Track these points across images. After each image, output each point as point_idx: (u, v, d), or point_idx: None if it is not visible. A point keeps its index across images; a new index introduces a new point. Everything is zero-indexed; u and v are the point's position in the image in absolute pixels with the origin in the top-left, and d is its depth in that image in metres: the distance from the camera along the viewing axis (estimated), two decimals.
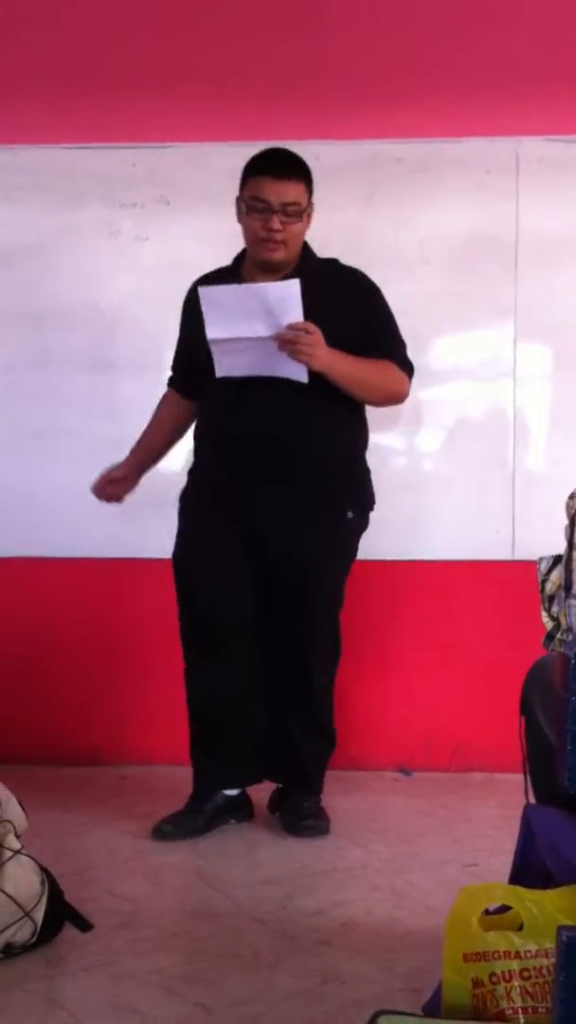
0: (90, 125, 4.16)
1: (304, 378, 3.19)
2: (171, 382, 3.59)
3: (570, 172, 4.07)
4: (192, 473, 3.51)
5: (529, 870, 2.14)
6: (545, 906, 1.98)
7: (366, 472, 3.47)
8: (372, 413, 3.51)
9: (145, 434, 3.59)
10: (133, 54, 4.17)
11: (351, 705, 4.03)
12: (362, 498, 3.45)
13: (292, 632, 3.41)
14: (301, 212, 3.25)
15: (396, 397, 3.42)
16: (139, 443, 3.59)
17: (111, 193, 4.17)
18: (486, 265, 4.11)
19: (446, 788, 3.89)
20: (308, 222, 3.32)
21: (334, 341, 3.19)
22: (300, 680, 3.44)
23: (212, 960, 2.50)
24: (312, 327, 3.13)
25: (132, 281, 4.16)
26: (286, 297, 3.11)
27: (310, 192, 3.29)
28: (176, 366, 3.58)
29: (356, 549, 3.48)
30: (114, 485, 3.54)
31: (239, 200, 3.31)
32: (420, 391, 4.02)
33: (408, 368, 3.40)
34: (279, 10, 4.15)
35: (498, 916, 2.07)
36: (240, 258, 3.42)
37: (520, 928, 1.99)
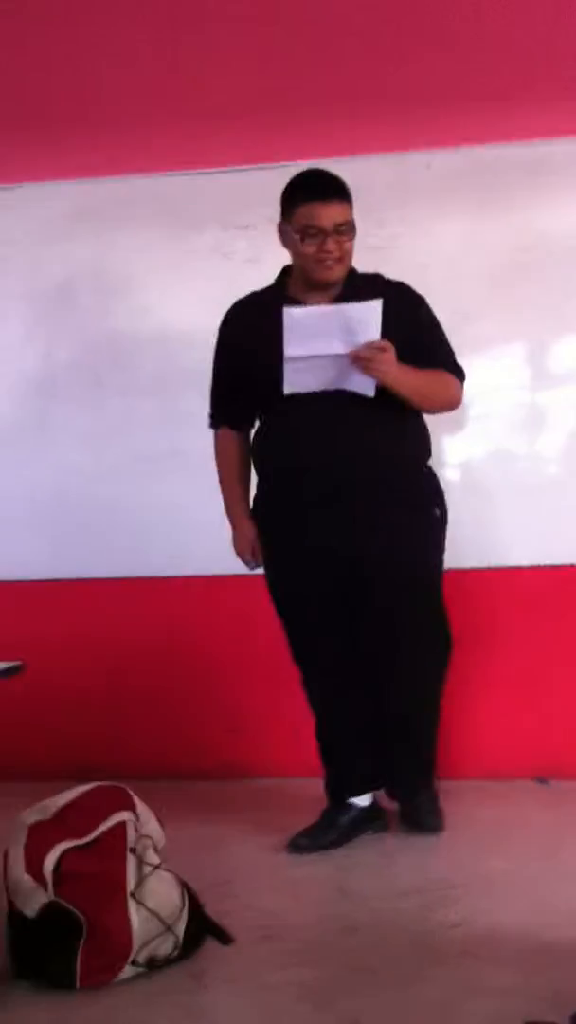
0: (195, 150, 4.22)
1: (372, 392, 3.26)
2: (222, 420, 3.57)
3: None
4: (265, 497, 3.50)
5: None
6: None
7: (434, 474, 3.53)
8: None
9: (231, 483, 3.56)
10: (240, 79, 4.18)
11: (481, 716, 4.03)
12: (442, 496, 3.51)
13: (394, 633, 3.42)
14: (349, 231, 3.32)
15: (452, 404, 3.50)
16: (230, 494, 3.56)
17: (224, 216, 4.22)
18: None
19: None
20: (355, 238, 3.37)
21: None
22: (406, 676, 3.47)
23: (355, 973, 2.50)
24: (387, 344, 3.20)
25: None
26: (367, 317, 3.19)
27: (352, 209, 3.34)
28: (222, 401, 3.55)
29: (443, 547, 3.51)
30: (255, 547, 3.53)
31: (286, 226, 3.35)
32: (538, 394, 4.09)
33: (460, 375, 3.48)
34: (380, 22, 4.13)
35: None
36: (282, 278, 3.47)
37: None
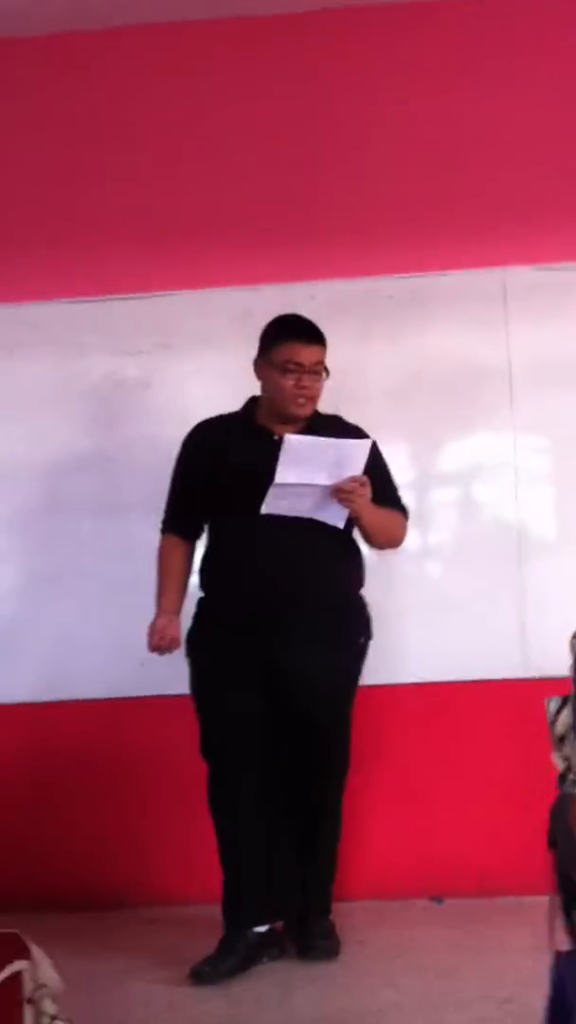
0: (90, 278, 4.31)
1: (341, 524, 3.49)
2: (171, 528, 3.70)
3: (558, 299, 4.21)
4: (205, 608, 3.62)
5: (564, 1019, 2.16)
6: None
7: (364, 602, 3.69)
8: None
9: (167, 579, 3.67)
10: (129, 207, 4.32)
11: (374, 834, 4.07)
12: (369, 625, 3.68)
13: (308, 757, 3.55)
14: (321, 372, 3.58)
15: (398, 541, 3.74)
16: (164, 588, 3.67)
17: (114, 343, 4.30)
18: (481, 391, 4.23)
19: (476, 915, 3.87)
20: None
21: None
22: (314, 802, 3.60)
23: None
24: (366, 479, 3.43)
25: (137, 426, 4.28)
26: (357, 453, 3.43)
27: (325, 353, 3.60)
28: (176, 511, 3.70)
29: (360, 674, 3.67)
30: (167, 631, 3.60)
31: (263, 362, 3.57)
32: (423, 512, 4.19)
33: (406, 513, 3.73)
34: (271, 157, 4.30)
35: None
36: (249, 407, 3.66)
37: None
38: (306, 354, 3.54)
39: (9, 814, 4.25)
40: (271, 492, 3.38)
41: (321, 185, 4.30)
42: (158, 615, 3.62)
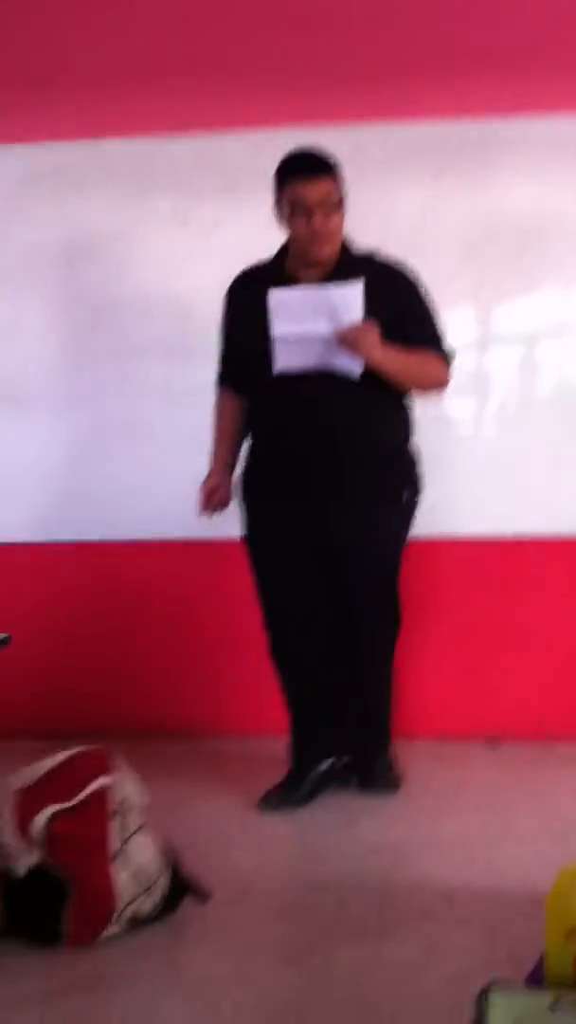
0: (157, 115, 4.24)
1: (358, 372, 3.38)
2: (224, 382, 3.68)
3: None
4: (252, 463, 3.63)
5: None
6: None
7: (416, 455, 3.63)
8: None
9: (221, 437, 3.68)
10: (196, 46, 4.19)
11: (435, 678, 4.20)
12: (415, 480, 3.62)
13: (356, 607, 3.58)
14: (336, 205, 3.40)
15: (438, 385, 3.60)
16: (218, 447, 3.68)
17: (181, 183, 4.26)
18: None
19: (534, 760, 4.00)
20: (344, 215, 3.45)
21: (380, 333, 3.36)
22: (366, 650, 3.64)
23: (325, 931, 2.68)
24: (371, 325, 3.32)
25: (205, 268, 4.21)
26: (349, 298, 3.32)
27: (342, 185, 3.43)
28: (226, 365, 3.67)
29: (410, 528, 3.65)
30: (216, 494, 3.64)
31: (278, 203, 3.45)
32: (487, 362, 4.20)
33: (447, 357, 3.56)
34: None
35: None
36: (281, 254, 3.55)
37: None
38: (310, 190, 3.35)
39: (87, 647, 4.41)
40: (276, 347, 3.35)
41: (394, 25, 4.15)
42: (209, 474, 3.64)
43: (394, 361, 3.41)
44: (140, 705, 4.37)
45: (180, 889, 2.81)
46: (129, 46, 4.25)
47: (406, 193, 4.12)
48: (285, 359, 3.38)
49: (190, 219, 4.27)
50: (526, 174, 4.14)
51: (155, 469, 4.31)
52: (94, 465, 4.39)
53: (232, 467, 3.68)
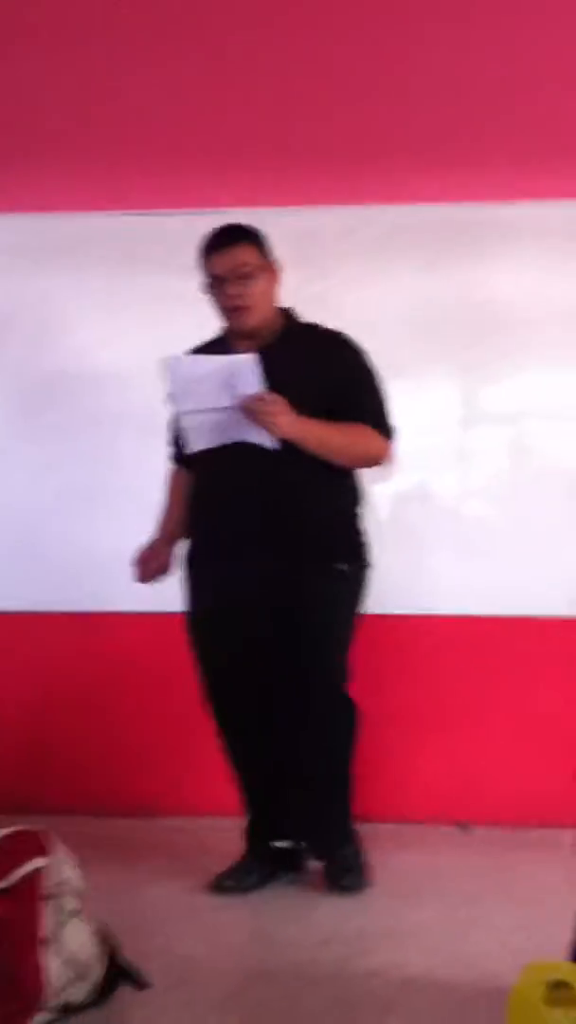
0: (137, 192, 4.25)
1: (273, 445, 3.23)
2: (173, 458, 3.61)
3: None
4: (192, 538, 3.51)
5: None
6: None
7: (357, 526, 3.47)
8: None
9: (167, 508, 3.60)
10: (186, 124, 4.22)
11: (406, 759, 4.08)
12: (354, 553, 3.44)
13: (298, 692, 3.37)
14: (252, 273, 3.32)
15: (369, 460, 3.43)
16: (163, 517, 3.60)
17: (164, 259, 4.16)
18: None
19: (505, 845, 3.86)
20: (269, 282, 3.37)
21: (305, 406, 3.23)
22: (310, 735, 3.41)
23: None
24: (271, 397, 3.18)
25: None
26: (242, 370, 3.18)
27: (262, 252, 3.36)
28: (173, 441, 3.58)
29: (357, 604, 3.44)
30: (153, 562, 3.53)
31: (203, 282, 3.39)
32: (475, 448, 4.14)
33: (387, 431, 3.40)
34: (352, 76, 4.17)
35: (565, 991, 2.05)
36: (226, 330, 3.47)
37: None
38: (219, 261, 3.31)
39: (41, 720, 4.30)
40: (182, 424, 3.28)
41: (378, 108, 4.15)
42: (149, 542, 3.54)
43: (312, 433, 3.26)
44: (87, 783, 4.24)
45: (117, 976, 2.63)
46: (81, 122, 4.23)
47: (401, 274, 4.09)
48: (196, 435, 3.29)
49: (128, 296, 4.24)
50: (509, 259, 4.12)
51: (111, 540, 4.11)
52: (47, 535, 4.29)
53: (175, 537, 3.55)
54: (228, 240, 3.34)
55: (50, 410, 4.32)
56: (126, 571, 3.93)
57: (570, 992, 2.03)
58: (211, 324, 3.50)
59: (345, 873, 3.39)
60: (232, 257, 3.31)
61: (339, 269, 3.81)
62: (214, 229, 3.39)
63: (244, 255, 3.32)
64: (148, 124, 4.23)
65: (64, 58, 4.25)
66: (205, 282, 3.37)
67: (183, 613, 3.50)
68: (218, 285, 3.33)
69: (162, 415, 4.00)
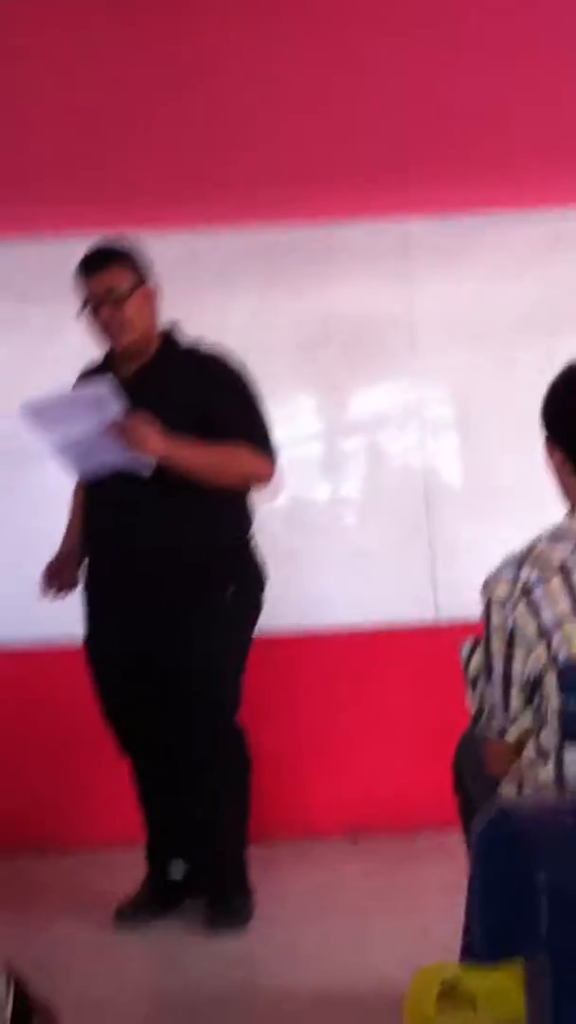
0: None
1: (147, 469, 3.25)
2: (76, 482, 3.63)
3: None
4: (87, 565, 3.54)
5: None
6: (498, 980, 2.08)
7: (242, 551, 3.46)
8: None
9: (69, 527, 3.61)
10: (46, 149, 4.22)
11: (293, 774, 4.14)
12: (239, 577, 3.42)
13: (184, 723, 3.36)
14: (125, 295, 3.33)
15: (250, 480, 3.42)
16: (65, 535, 3.60)
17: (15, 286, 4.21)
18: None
19: (395, 853, 3.95)
20: (145, 302, 3.39)
21: (179, 427, 3.25)
22: (200, 773, 3.41)
23: None
24: (142, 417, 3.20)
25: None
26: (100, 396, 3.21)
27: (137, 272, 3.38)
28: None
29: (243, 630, 3.45)
30: (59, 576, 3.51)
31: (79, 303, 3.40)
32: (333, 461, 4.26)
33: (267, 449, 3.39)
34: (187, 104, 4.24)
35: (456, 990, 2.17)
36: (109, 352, 3.49)
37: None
38: (92, 284, 3.32)
39: None
40: (61, 459, 3.31)
41: (228, 133, 4.23)
42: (53, 557, 3.53)
43: (184, 454, 3.25)
44: None
45: (25, 1014, 2.67)
46: None
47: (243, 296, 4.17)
48: (75, 468, 3.35)
49: (27, 323, 4.23)
50: (358, 276, 4.24)
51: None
52: None
53: (77, 556, 3.54)
54: (100, 262, 3.34)
55: None
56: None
57: (462, 993, 2.15)
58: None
59: (225, 918, 3.34)
60: (103, 279, 3.32)
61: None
62: (88, 249, 3.40)
63: (115, 277, 3.33)
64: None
65: None
66: (80, 303, 3.38)
67: (76, 642, 3.54)
68: (92, 307, 3.35)
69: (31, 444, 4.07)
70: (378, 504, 4.30)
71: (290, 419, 4.11)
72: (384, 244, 4.24)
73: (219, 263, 4.13)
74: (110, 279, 3.33)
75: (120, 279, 3.34)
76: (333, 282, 4.24)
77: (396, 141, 4.22)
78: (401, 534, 4.24)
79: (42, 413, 3.25)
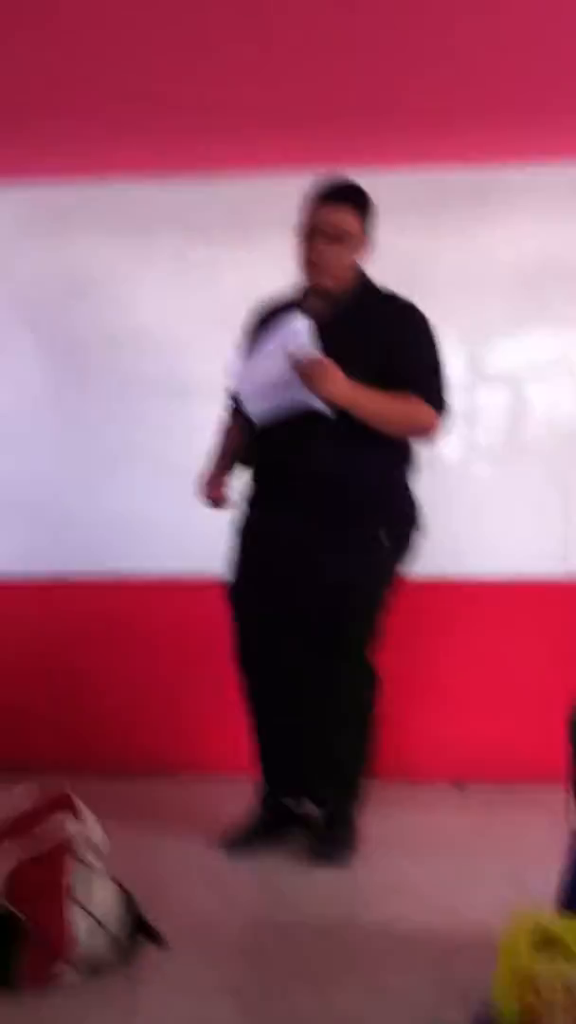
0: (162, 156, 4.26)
1: (327, 410, 3.30)
2: (232, 409, 3.67)
3: None
4: (248, 498, 3.61)
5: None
6: None
7: (402, 495, 3.52)
8: None
9: (220, 452, 3.65)
10: (206, 87, 4.22)
11: (404, 719, 4.17)
12: (400, 520, 3.51)
13: (326, 656, 3.47)
14: (342, 237, 3.34)
15: (418, 432, 3.46)
16: (216, 457, 3.65)
17: (185, 223, 4.32)
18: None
19: (499, 802, 4.01)
20: (357, 251, 3.40)
21: (362, 373, 3.29)
22: (332, 691, 3.50)
23: (280, 976, 2.68)
24: (327, 362, 3.24)
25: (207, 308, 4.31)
26: (296, 333, 3.28)
27: (362, 221, 3.38)
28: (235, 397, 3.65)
29: (394, 572, 3.52)
30: (214, 487, 3.57)
31: (298, 225, 3.41)
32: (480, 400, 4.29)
33: (439, 404, 3.42)
34: (336, 44, 4.18)
35: (551, 938, 2.22)
36: (304, 288, 3.52)
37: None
38: (320, 214, 3.31)
39: (56, 679, 4.42)
40: (243, 403, 3.39)
41: (390, 70, 4.09)
42: (204, 472, 3.60)
43: (361, 401, 3.29)
44: (103, 743, 4.37)
45: (138, 933, 2.80)
46: (124, 83, 4.22)
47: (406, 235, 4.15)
48: (258, 410, 3.40)
49: (189, 259, 4.34)
50: (525, 219, 4.25)
51: (137, 503, 4.35)
52: (84, 499, 4.43)
53: (227, 473, 3.61)
54: (337, 197, 3.33)
55: (77, 374, 4.46)
56: (150, 534, 4.10)
57: (556, 941, 2.20)
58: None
59: (332, 852, 3.44)
60: (331, 214, 3.32)
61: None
62: (331, 179, 3.39)
63: (342, 217, 3.32)
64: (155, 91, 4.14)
65: None
66: (299, 225, 3.38)
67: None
68: (309, 235, 3.35)
69: (186, 379, 4.23)
70: (520, 456, 4.34)
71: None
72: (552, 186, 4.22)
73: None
74: (342, 217, 3.33)
75: (351, 221, 3.34)
76: (499, 223, 4.25)
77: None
78: (540, 487, 4.28)
79: (243, 381, 3.39)
